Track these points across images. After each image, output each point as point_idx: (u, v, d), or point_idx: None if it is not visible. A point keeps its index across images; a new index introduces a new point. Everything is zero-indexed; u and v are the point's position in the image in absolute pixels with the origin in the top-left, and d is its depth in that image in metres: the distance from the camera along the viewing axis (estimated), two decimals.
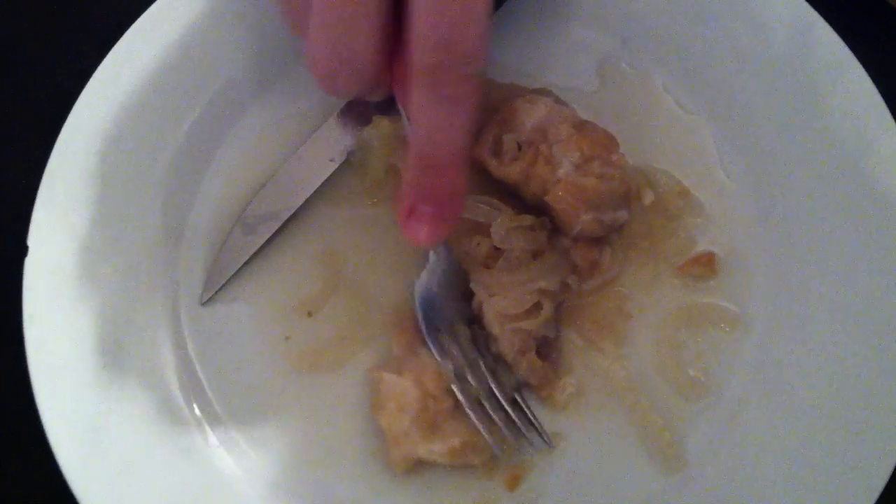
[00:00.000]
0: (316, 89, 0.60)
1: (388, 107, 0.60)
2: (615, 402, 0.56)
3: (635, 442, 0.55)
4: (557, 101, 0.60)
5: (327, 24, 0.44)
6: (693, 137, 0.61)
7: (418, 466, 0.54)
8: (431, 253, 0.54)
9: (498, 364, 0.56)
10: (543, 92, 0.61)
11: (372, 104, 0.59)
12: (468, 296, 0.56)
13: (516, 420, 0.54)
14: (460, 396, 0.54)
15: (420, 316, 0.55)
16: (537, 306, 0.55)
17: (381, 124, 0.58)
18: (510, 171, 0.57)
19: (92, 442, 0.52)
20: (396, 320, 0.57)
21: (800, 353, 0.55)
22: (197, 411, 0.56)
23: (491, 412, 0.54)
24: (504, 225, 0.56)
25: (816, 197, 0.57)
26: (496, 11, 0.62)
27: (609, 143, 0.56)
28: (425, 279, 0.55)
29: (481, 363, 0.55)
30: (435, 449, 0.53)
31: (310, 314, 0.58)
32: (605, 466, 0.55)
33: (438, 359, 0.54)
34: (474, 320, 0.56)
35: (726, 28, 0.60)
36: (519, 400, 0.55)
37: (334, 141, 0.60)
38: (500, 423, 0.54)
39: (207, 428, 0.56)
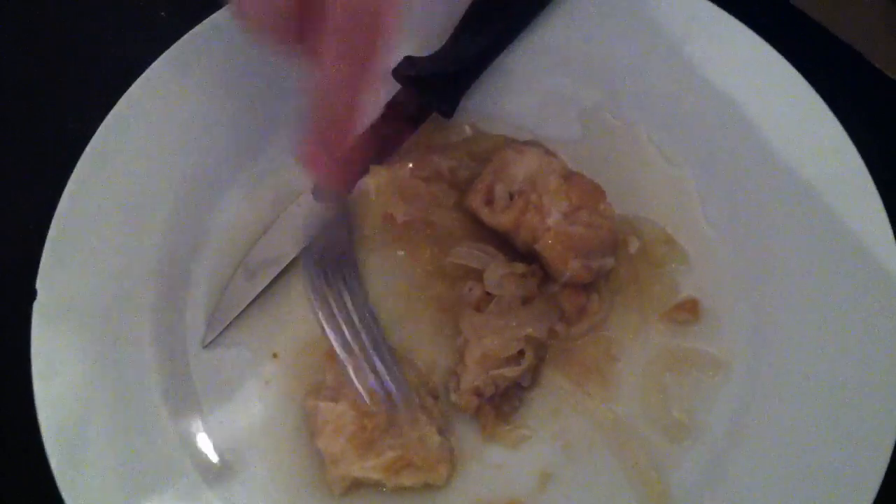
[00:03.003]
0: None
1: (384, 156, 0.62)
2: (603, 442, 0.57)
3: (622, 481, 0.56)
4: (546, 152, 0.62)
5: None
6: (677, 187, 0.63)
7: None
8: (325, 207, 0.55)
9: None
10: (533, 143, 0.63)
11: (371, 155, 0.61)
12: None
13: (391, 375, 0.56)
14: (343, 358, 0.55)
15: (308, 274, 0.55)
16: (521, 354, 0.56)
17: (379, 174, 0.60)
18: (502, 219, 0.59)
19: (101, 479, 0.54)
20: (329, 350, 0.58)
21: (780, 397, 0.56)
22: (201, 454, 0.57)
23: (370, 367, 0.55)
24: (497, 271, 0.58)
25: (796, 246, 0.59)
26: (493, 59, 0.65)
27: (596, 192, 0.59)
28: (315, 237, 0.55)
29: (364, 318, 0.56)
30: (369, 465, 0.54)
31: (310, 356, 0.59)
32: None
33: (323, 324, 0.55)
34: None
35: (710, 82, 0.63)
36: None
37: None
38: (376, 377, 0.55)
39: (211, 472, 0.57)
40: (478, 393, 0.56)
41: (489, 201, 0.60)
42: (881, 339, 0.55)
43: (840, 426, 0.54)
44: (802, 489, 0.53)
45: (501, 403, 0.57)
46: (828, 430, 0.54)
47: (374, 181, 0.60)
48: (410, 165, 0.63)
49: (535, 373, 0.58)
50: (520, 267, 0.58)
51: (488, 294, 0.58)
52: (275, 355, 0.60)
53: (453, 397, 0.57)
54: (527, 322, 0.57)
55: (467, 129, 0.65)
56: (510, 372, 0.56)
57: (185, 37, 0.63)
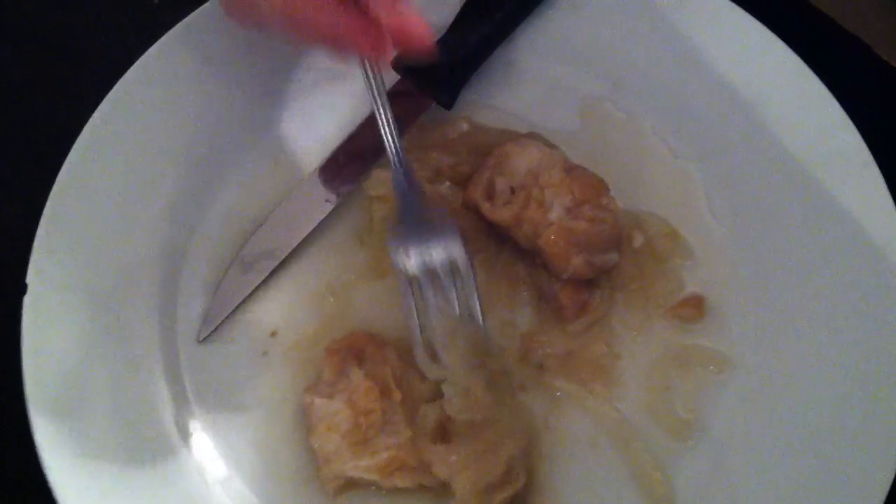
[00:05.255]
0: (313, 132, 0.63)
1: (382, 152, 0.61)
2: (607, 441, 0.56)
3: (627, 481, 0.55)
4: (548, 144, 0.61)
5: None
6: (682, 181, 0.62)
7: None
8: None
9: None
10: (534, 136, 0.62)
11: (367, 150, 0.60)
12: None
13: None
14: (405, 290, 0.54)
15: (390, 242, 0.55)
16: (509, 473, 0.53)
17: (381, 178, 0.59)
18: (503, 214, 0.57)
19: (92, 477, 0.53)
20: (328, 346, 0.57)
21: (786, 394, 0.55)
22: (195, 449, 0.56)
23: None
24: (456, 393, 0.54)
25: (803, 241, 0.58)
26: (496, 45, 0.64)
27: (599, 186, 0.57)
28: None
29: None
30: (363, 464, 0.53)
31: (307, 350, 0.59)
32: None
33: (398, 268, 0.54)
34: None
35: (715, 73, 0.62)
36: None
37: (330, 183, 0.61)
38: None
39: (206, 468, 0.56)
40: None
41: (490, 195, 0.59)
42: (888, 335, 0.55)
43: (847, 424, 0.53)
44: (809, 489, 0.53)
45: None
46: (835, 429, 0.54)
47: (376, 188, 0.59)
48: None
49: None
50: (478, 387, 0.54)
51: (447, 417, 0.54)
52: (264, 354, 0.59)
53: None
54: (500, 440, 0.53)
55: (464, 126, 0.64)
56: (507, 491, 0.53)
57: (180, 25, 0.61)
